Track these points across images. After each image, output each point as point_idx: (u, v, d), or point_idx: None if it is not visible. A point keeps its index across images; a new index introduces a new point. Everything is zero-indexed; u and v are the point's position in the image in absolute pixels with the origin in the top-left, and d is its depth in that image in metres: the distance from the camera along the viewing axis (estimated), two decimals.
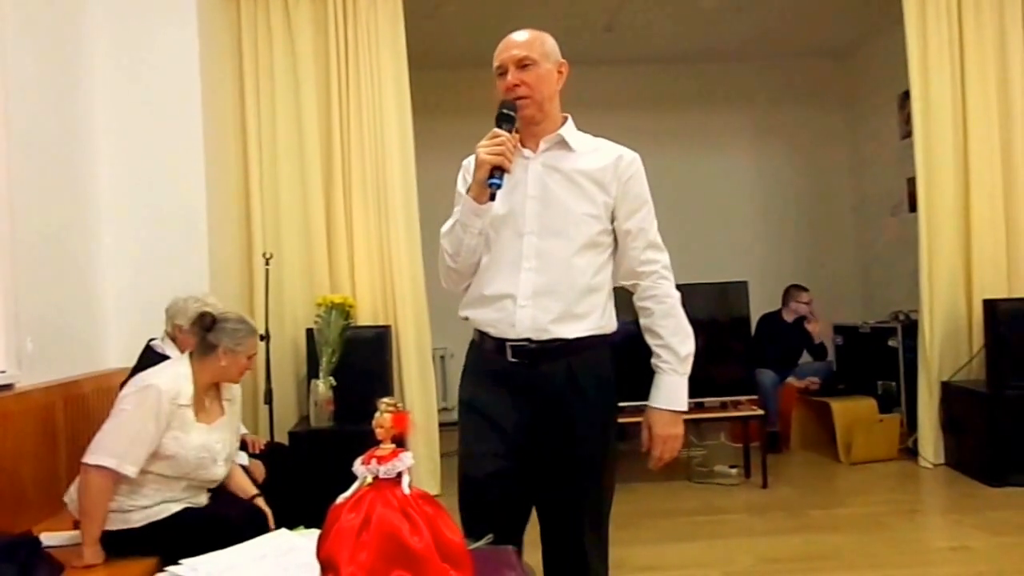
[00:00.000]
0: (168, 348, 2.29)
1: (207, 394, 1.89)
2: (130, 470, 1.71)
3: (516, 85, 1.34)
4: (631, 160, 1.41)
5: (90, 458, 1.71)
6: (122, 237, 2.82)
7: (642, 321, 1.40)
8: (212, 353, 1.86)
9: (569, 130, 1.41)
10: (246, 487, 2.03)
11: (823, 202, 5.31)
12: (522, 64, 1.34)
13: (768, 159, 5.28)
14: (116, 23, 2.84)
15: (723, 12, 4.38)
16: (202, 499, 1.89)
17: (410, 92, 3.37)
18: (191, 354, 1.90)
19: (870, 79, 5.09)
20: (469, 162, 1.41)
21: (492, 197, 1.29)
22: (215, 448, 1.85)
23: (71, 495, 1.87)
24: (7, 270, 2.12)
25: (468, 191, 1.32)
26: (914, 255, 3.73)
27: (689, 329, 1.39)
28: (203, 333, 1.88)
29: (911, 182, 4.00)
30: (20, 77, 2.24)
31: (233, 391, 1.99)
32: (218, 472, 1.88)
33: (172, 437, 1.77)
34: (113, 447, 1.71)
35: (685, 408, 1.38)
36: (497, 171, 1.27)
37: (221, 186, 3.14)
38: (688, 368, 1.38)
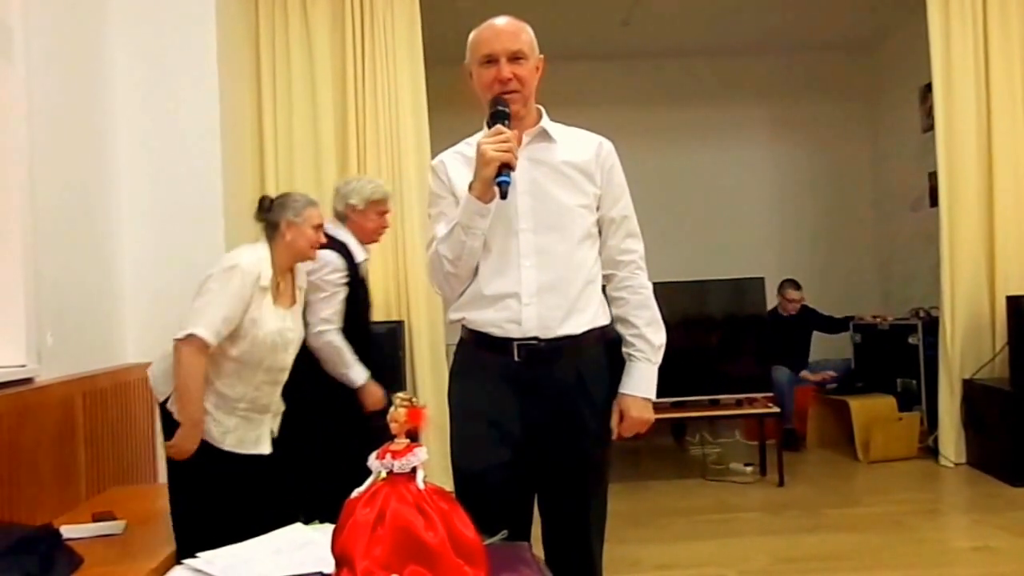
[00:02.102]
0: (337, 230, 2.29)
1: (284, 278, 1.93)
2: (214, 340, 1.75)
3: (509, 79, 1.30)
4: (610, 148, 1.40)
5: (180, 332, 1.74)
6: (141, 233, 2.84)
7: (616, 311, 1.40)
8: (277, 232, 1.90)
9: (547, 121, 1.39)
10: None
11: (843, 196, 5.23)
12: (515, 57, 1.30)
13: (787, 153, 5.21)
14: (136, 20, 2.86)
15: (741, 5, 4.33)
16: (264, 447, 1.88)
17: (426, 87, 3.37)
18: (266, 240, 1.93)
19: (891, 72, 5.01)
20: (440, 162, 1.38)
21: (504, 195, 1.25)
22: (287, 335, 1.89)
23: (154, 371, 1.87)
24: (28, 265, 2.14)
25: (470, 190, 1.27)
26: (935, 250, 3.67)
27: (661, 320, 1.42)
28: (264, 216, 1.93)
29: (932, 176, 3.93)
30: (41, 72, 2.27)
31: (303, 280, 2.03)
32: (287, 360, 1.91)
33: (250, 319, 1.79)
34: (200, 319, 1.74)
35: (655, 396, 1.40)
36: (505, 168, 1.24)
37: (238, 182, 3.16)
38: (660, 357, 1.40)
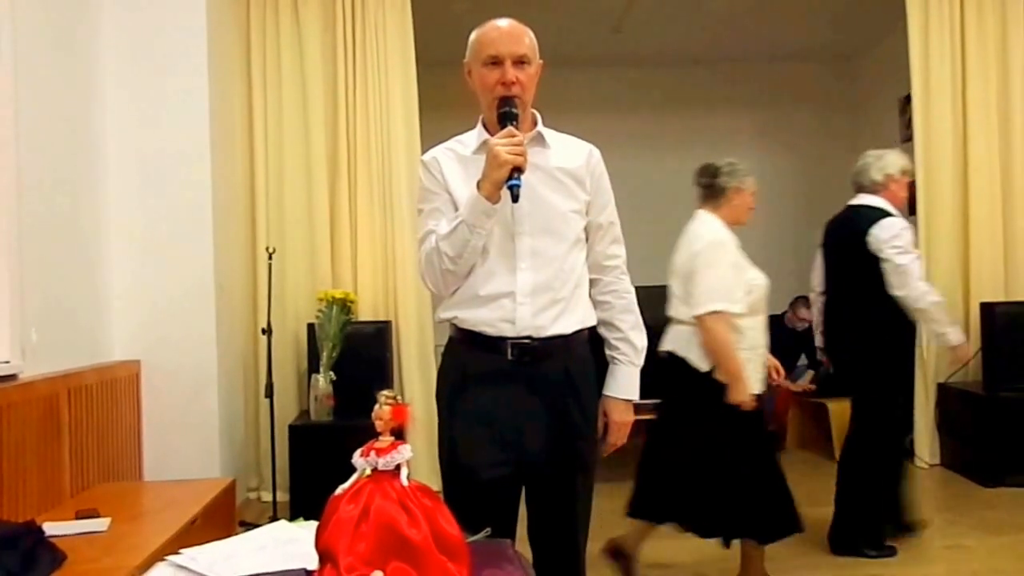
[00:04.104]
0: (873, 199, 2.46)
1: None
2: (736, 307, 2.01)
3: (513, 82, 1.31)
4: (599, 155, 1.43)
5: (700, 309, 1.99)
6: (128, 229, 2.84)
7: (601, 315, 1.43)
8: (722, 196, 2.16)
9: (542, 126, 1.40)
10: None
11: (824, 204, 5.27)
12: (519, 61, 1.31)
13: (771, 161, 5.28)
14: (126, 18, 2.86)
15: (729, 16, 4.40)
16: None
17: (417, 89, 3.39)
18: (707, 204, 2.19)
19: (872, 83, 5.11)
20: (433, 159, 1.38)
21: (516, 199, 1.25)
22: (761, 279, 2.19)
23: (691, 348, 2.08)
24: (13, 260, 2.14)
25: (479, 190, 1.27)
26: None
27: (643, 324, 1.46)
28: (710, 180, 2.18)
29: (910, 185, 4.00)
30: (30, 67, 2.26)
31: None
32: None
33: (748, 275, 2.10)
34: (713, 294, 1.99)
35: (638, 397, 1.43)
36: (516, 172, 1.24)
37: (227, 180, 3.16)
38: (642, 360, 1.44)
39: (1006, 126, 3.58)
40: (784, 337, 4.34)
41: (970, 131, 3.58)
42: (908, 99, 3.80)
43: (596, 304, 1.43)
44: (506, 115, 1.29)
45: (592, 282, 1.43)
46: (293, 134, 3.34)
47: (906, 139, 4.42)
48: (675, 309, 2.16)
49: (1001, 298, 3.49)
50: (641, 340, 1.44)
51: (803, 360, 4.40)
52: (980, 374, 3.45)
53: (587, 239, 1.41)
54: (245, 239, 3.33)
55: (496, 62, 1.31)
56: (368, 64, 3.36)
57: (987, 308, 3.42)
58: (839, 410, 3.85)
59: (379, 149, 3.38)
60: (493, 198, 1.26)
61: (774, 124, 5.24)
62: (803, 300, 4.34)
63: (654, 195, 4.93)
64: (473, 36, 1.36)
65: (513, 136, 1.26)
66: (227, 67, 3.21)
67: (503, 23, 1.34)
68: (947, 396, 3.54)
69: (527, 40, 1.34)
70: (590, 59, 4.83)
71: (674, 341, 2.14)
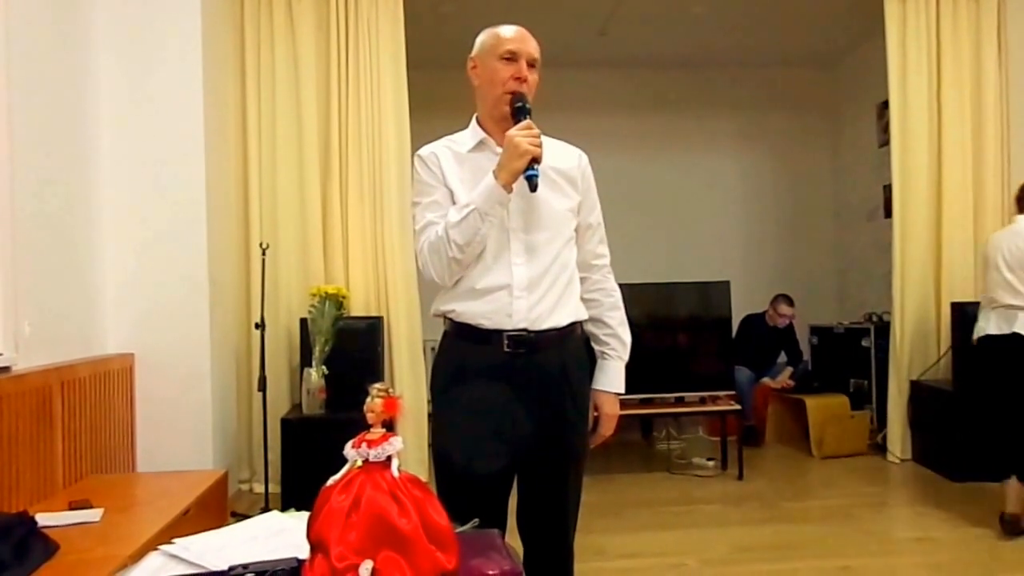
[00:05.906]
0: None
1: None
2: None
3: (525, 80, 1.36)
4: (587, 159, 1.49)
5: None
6: (122, 224, 2.84)
7: (589, 311, 1.48)
8: None
9: None
10: None
11: (804, 206, 5.43)
12: (531, 64, 1.37)
13: (752, 163, 5.39)
14: (121, 15, 2.86)
15: (712, 20, 4.48)
16: None
17: (408, 90, 3.41)
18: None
19: (851, 89, 5.21)
20: (432, 154, 1.41)
21: (534, 188, 1.30)
22: None
23: None
24: (6, 253, 2.14)
25: (496, 179, 1.29)
26: (888, 259, 3.85)
27: (627, 320, 1.52)
28: None
29: (887, 189, 4.12)
30: (24, 63, 2.27)
31: None
32: None
33: None
34: None
35: (624, 391, 1.49)
36: (534, 163, 1.29)
37: (221, 177, 3.17)
38: (628, 355, 1.51)
39: (979, 132, 3.70)
40: (765, 334, 4.45)
41: (944, 136, 3.68)
42: (885, 105, 3.90)
43: (584, 301, 1.47)
44: (521, 109, 1.34)
45: (580, 280, 1.47)
46: (286, 131, 3.36)
47: (883, 143, 4.53)
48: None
49: (971, 298, 3.59)
50: (628, 336, 1.49)
51: (782, 357, 4.51)
52: (950, 371, 3.56)
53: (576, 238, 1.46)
54: (238, 234, 3.35)
55: (513, 58, 1.36)
56: (360, 63, 3.39)
57: (958, 308, 3.53)
58: (816, 406, 3.97)
59: (370, 147, 3.41)
60: (509, 187, 1.31)
61: (755, 127, 5.33)
62: (783, 298, 4.44)
63: (639, 194, 5.02)
64: (487, 33, 1.40)
65: (530, 128, 1.31)
66: (221, 65, 3.22)
67: (516, 27, 1.40)
68: (919, 393, 3.65)
69: (535, 45, 1.40)
70: (576, 61, 4.88)
71: None
